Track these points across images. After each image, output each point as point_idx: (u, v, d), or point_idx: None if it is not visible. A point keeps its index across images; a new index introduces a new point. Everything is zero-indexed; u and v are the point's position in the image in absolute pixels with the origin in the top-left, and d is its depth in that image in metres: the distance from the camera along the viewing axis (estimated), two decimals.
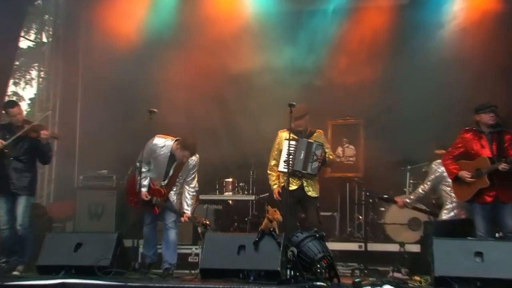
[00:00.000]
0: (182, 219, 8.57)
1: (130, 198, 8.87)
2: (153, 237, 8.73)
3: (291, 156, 8.45)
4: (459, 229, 8.17)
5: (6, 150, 8.34)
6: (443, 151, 8.60)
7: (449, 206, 8.42)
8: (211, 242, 7.61)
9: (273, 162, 8.99)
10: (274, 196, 8.96)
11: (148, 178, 8.64)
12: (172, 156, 8.54)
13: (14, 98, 23.25)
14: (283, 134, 8.87)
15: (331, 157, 9.01)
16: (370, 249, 9.70)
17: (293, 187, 8.66)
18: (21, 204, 8.41)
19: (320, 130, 9.09)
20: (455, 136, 8.45)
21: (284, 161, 8.52)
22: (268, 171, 9.10)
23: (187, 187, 8.66)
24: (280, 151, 8.85)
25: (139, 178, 8.47)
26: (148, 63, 11.85)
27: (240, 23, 11.64)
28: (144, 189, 8.53)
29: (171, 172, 8.59)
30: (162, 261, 8.58)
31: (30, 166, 8.58)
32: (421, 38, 11.18)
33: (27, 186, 8.48)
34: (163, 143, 8.59)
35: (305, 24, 11.72)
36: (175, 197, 8.71)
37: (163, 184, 8.62)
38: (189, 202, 8.66)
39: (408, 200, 9.00)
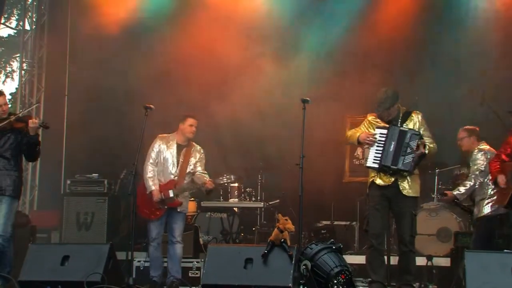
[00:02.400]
0: (209, 186, 8.89)
1: (144, 210, 8.96)
2: (160, 256, 8.97)
3: (379, 148, 8.02)
4: (499, 226, 8.18)
5: None
6: (472, 127, 8.62)
7: (490, 195, 8.38)
8: (214, 255, 7.62)
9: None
10: (363, 137, 8.14)
11: (156, 178, 8.95)
12: (178, 146, 9.01)
13: None
14: (371, 118, 8.32)
15: (431, 146, 8.09)
16: (394, 263, 9.63)
17: (384, 183, 8.10)
18: (3, 208, 8.16)
19: (416, 112, 8.28)
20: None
21: (375, 156, 8.05)
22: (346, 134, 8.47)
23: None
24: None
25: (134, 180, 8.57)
26: (143, 52, 11.89)
27: (249, 8, 11.72)
28: (154, 187, 8.88)
29: (181, 160, 8.98)
30: (167, 275, 8.79)
31: (15, 164, 8.34)
32: (451, 26, 11.25)
33: (11, 186, 8.22)
34: (167, 139, 9.07)
35: (323, 13, 11.78)
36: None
37: (173, 175, 8.92)
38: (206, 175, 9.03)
39: (459, 193, 8.67)
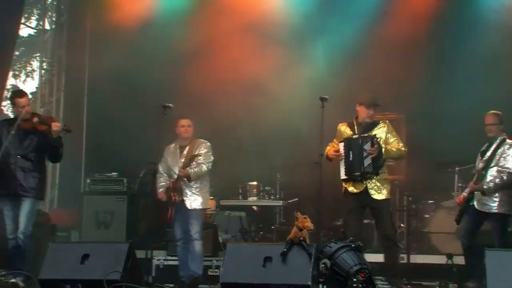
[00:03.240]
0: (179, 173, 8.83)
1: (162, 216, 9.04)
2: (186, 255, 8.94)
3: (343, 161, 8.43)
4: None
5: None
6: (501, 113, 8.52)
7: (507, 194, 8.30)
8: (233, 253, 7.61)
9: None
10: (330, 154, 8.58)
11: (166, 185, 9.01)
12: (180, 148, 9.01)
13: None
14: (342, 128, 8.68)
15: (390, 147, 8.41)
16: (414, 261, 9.65)
17: (356, 190, 8.43)
18: (25, 207, 8.28)
19: (385, 121, 8.68)
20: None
21: (344, 169, 8.45)
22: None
23: None
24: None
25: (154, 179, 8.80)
26: (163, 50, 11.90)
27: (267, 5, 11.72)
28: (161, 190, 8.97)
29: (182, 160, 8.91)
30: (189, 271, 8.79)
31: (39, 165, 8.46)
32: (474, 22, 11.16)
33: (35, 188, 8.34)
34: (171, 146, 9.16)
35: (340, 10, 11.74)
36: (192, 198, 8.90)
37: (175, 176, 8.93)
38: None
39: (489, 188, 8.29)
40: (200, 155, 8.81)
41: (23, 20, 17.76)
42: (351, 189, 8.42)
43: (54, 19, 13.57)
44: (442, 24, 11.39)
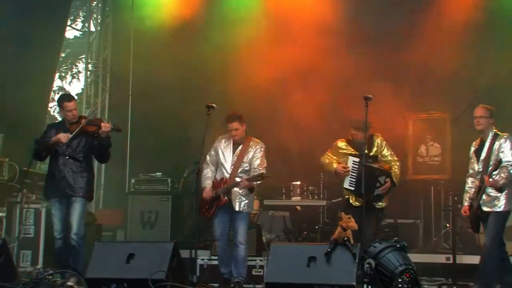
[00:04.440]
0: (242, 184, 8.66)
1: (203, 209, 8.90)
2: (228, 254, 8.86)
3: (353, 174, 8.69)
4: None
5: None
6: (493, 108, 8.30)
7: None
8: (277, 253, 7.60)
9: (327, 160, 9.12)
10: (339, 169, 8.86)
11: (212, 177, 8.88)
12: (234, 144, 8.84)
13: (60, 94, 24.02)
14: (341, 145, 9.01)
15: (393, 172, 8.82)
16: (460, 262, 9.52)
17: (358, 204, 8.67)
18: (77, 209, 8.42)
19: (378, 134, 8.97)
20: None
21: (351, 181, 8.76)
22: (321, 160, 9.16)
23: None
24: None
25: (197, 178, 8.62)
26: (209, 52, 11.93)
27: (308, 5, 11.71)
28: (208, 185, 8.81)
29: (235, 159, 8.79)
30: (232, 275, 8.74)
31: (87, 166, 8.61)
32: None
33: (84, 187, 8.48)
34: (225, 139, 8.92)
35: (384, 6, 11.69)
36: (240, 200, 8.75)
37: (228, 174, 8.78)
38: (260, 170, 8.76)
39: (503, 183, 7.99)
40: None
41: (69, 22, 18.00)
42: (353, 203, 8.74)
43: (99, 21, 13.74)
44: (488, 22, 11.23)
